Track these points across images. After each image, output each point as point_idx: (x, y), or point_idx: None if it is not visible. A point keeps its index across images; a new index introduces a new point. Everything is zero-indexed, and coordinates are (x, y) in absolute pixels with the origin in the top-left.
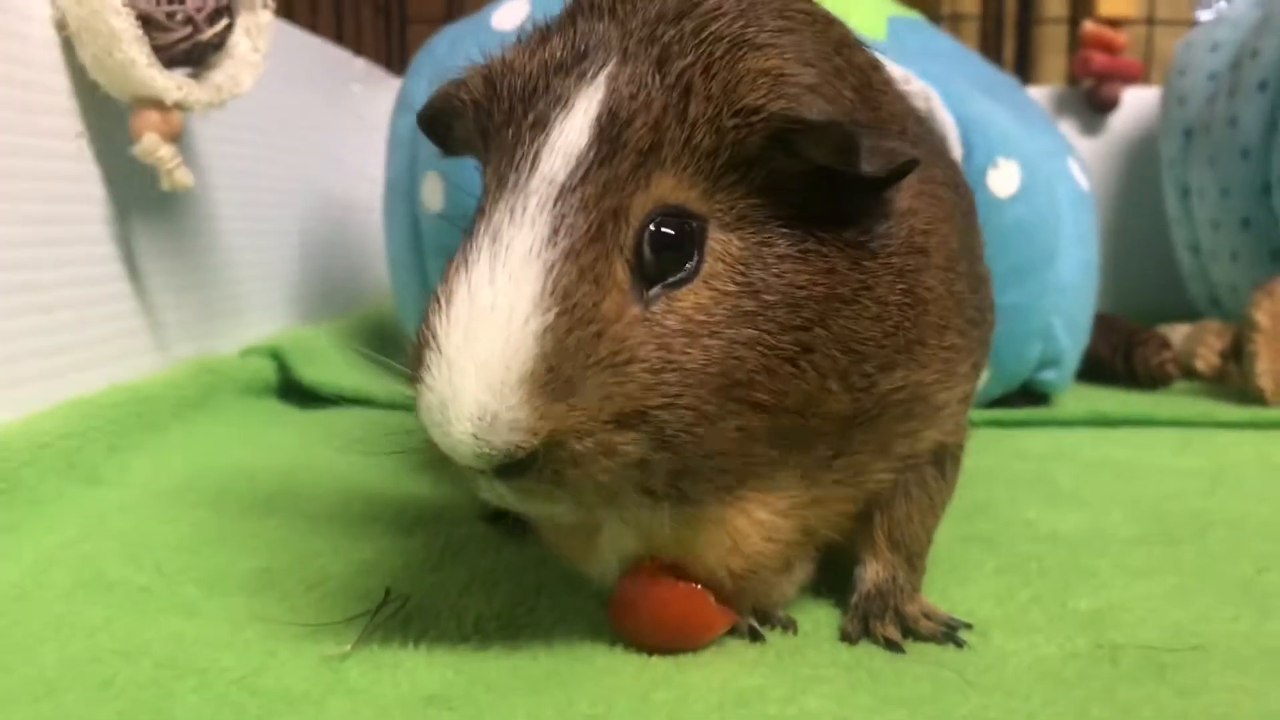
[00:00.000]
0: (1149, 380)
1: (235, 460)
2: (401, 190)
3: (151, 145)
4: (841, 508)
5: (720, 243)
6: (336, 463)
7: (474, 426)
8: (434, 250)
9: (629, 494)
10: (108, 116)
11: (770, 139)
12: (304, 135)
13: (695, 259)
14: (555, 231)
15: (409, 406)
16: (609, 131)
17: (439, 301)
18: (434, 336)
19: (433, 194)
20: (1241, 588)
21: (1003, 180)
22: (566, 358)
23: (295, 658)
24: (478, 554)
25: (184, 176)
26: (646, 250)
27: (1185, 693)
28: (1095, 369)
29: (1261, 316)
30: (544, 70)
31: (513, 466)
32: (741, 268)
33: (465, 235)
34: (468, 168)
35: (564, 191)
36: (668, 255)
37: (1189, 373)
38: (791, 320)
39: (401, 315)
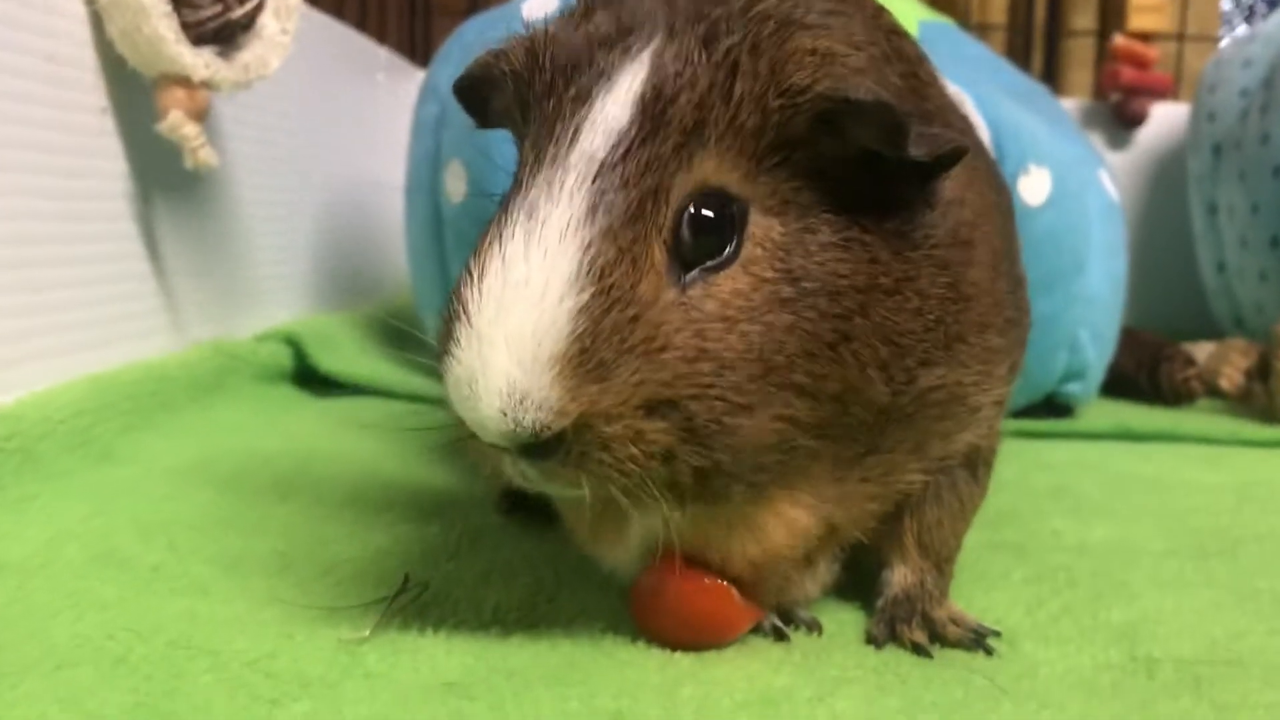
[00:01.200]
0: (1173, 396)
1: (250, 443)
2: (423, 179)
3: (177, 122)
4: (869, 507)
5: (761, 227)
6: (353, 449)
7: (502, 403)
8: (455, 240)
9: (654, 488)
10: (134, 92)
11: (817, 119)
12: (328, 121)
13: (735, 243)
14: (593, 209)
15: (426, 397)
16: (652, 108)
17: (470, 274)
18: (464, 309)
19: (455, 183)
20: (1275, 603)
21: (1034, 187)
22: (600, 340)
23: (311, 641)
24: (495, 544)
25: (208, 155)
26: (685, 232)
27: (1224, 709)
28: (1119, 384)
29: None
30: (588, 44)
31: (539, 446)
32: (782, 254)
33: (500, 208)
34: (491, 159)
35: (604, 168)
36: (707, 238)
37: (1213, 391)
38: (831, 309)
39: (420, 304)
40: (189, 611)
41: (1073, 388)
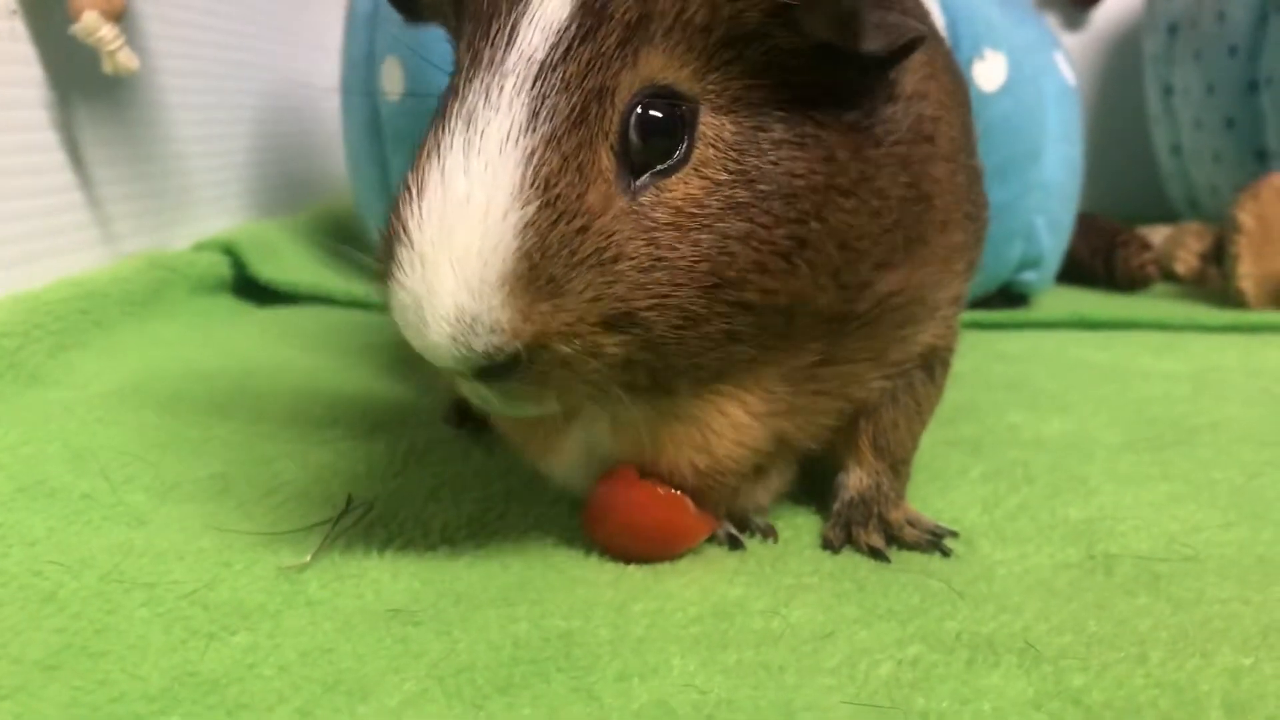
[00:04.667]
0: (1129, 282)
1: (188, 361)
2: (359, 76)
3: (92, 24)
4: (824, 420)
5: (712, 127)
6: (295, 362)
7: (452, 329)
8: (394, 139)
9: (613, 390)
10: None
11: (768, 13)
12: (258, 16)
13: (685, 144)
14: (535, 115)
15: (370, 304)
16: (592, 2)
17: (409, 190)
18: (405, 230)
19: (392, 80)
20: (1232, 495)
21: (989, 73)
22: (550, 255)
23: (251, 569)
24: (444, 459)
25: (127, 59)
26: (633, 135)
27: (1182, 605)
28: (1074, 270)
29: (1246, 218)
30: None
31: (494, 368)
32: (735, 154)
33: (436, 116)
34: (429, 53)
35: (544, 70)
36: (656, 141)
37: (1168, 275)
38: (787, 213)
39: (361, 207)
40: (123, 542)
41: (1028, 276)
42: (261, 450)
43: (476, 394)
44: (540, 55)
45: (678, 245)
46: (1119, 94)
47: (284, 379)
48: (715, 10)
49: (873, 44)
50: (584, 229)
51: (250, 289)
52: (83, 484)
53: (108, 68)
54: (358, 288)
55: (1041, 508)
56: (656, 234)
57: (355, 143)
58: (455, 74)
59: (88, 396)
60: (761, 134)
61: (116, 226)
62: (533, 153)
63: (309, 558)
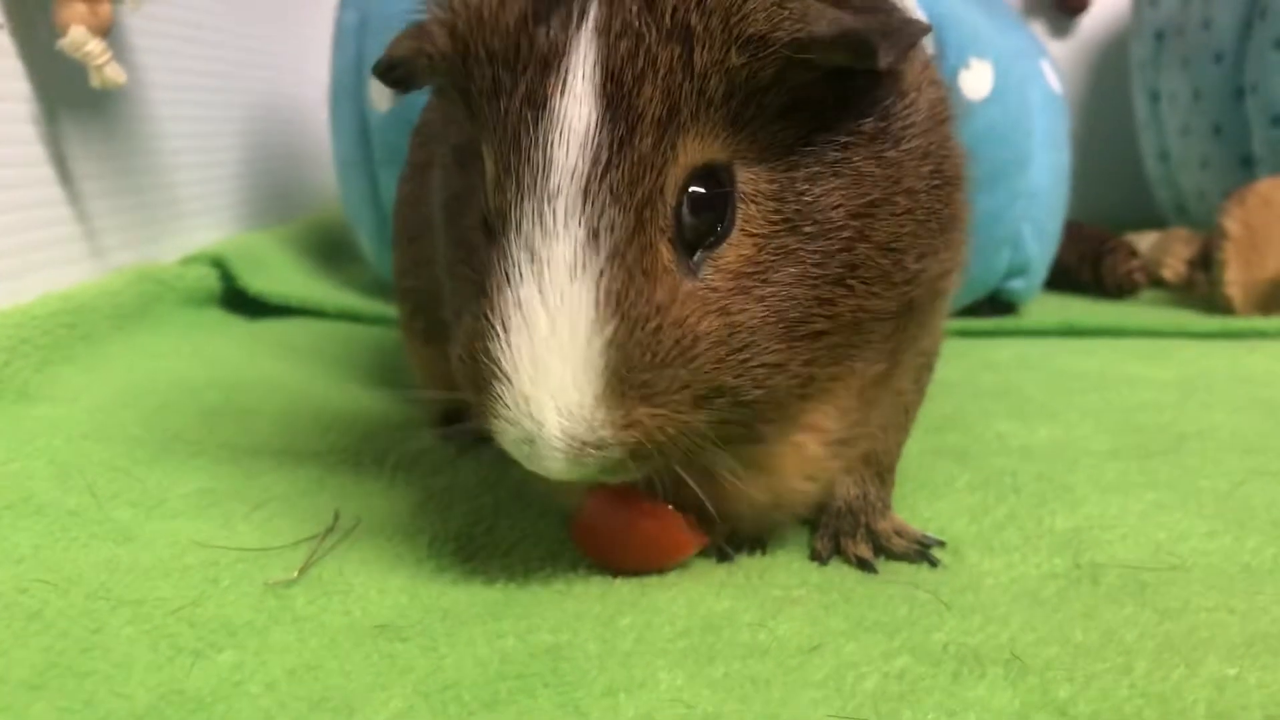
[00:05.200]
0: (1116, 289)
1: (176, 374)
2: (348, 87)
3: (79, 39)
4: (879, 421)
5: (750, 183)
6: (284, 375)
7: (564, 454)
8: (382, 150)
9: (708, 449)
10: (31, 7)
11: (781, 61)
12: (246, 28)
13: (729, 209)
14: (593, 235)
15: (359, 315)
16: (617, 103)
17: (492, 326)
18: (499, 368)
19: (380, 92)
20: (1218, 503)
21: (975, 81)
22: (635, 364)
23: (238, 585)
24: (432, 472)
25: (114, 73)
26: (686, 219)
27: (1168, 615)
28: (1062, 277)
29: (1233, 224)
30: (521, 24)
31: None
32: (775, 204)
33: (486, 233)
34: None
35: (590, 184)
36: (705, 216)
37: (1156, 281)
38: (833, 246)
39: (351, 219)
40: (109, 559)
41: (1016, 284)
42: (249, 464)
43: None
44: (582, 168)
45: (746, 308)
46: (1106, 101)
47: (273, 392)
48: (731, 77)
49: (888, 56)
50: (659, 328)
51: (239, 301)
52: (69, 500)
53: (95, 82)
54: (347, 299)
55: (1029, 517)
56: (724, 303)
57: (344, 153)
58: (493, 187)
59: (75, 411)
60: (794, 174)
61: (104, 240)
62: (601, 273)
63: (296, 574)
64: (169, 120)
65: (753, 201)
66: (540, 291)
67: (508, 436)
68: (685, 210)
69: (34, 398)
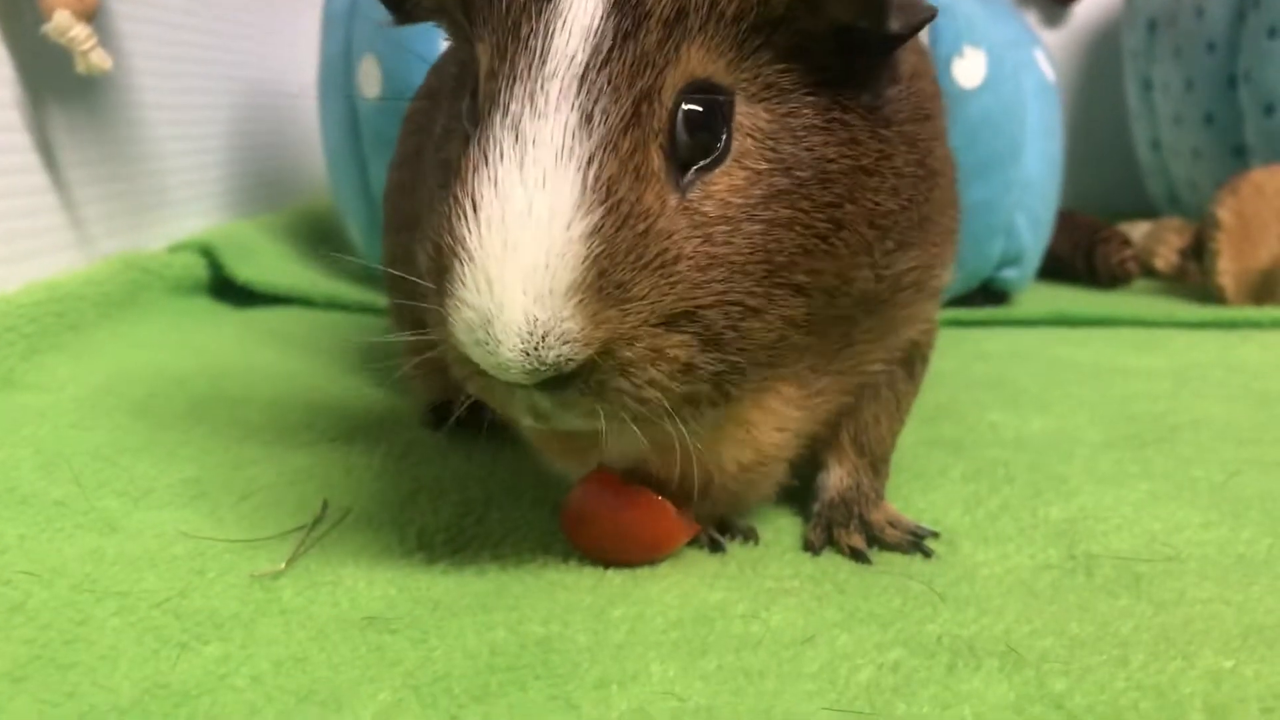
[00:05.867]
0: (1109, 279)
1: (163, 363)
2: (337, 74)
3: (63, 23)
4: (840, 400)
5: (748, 117)
6: (272, 364)
7: (525, 343)
8: (372, 138)
9: (668, 408)
10: None
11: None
12: (233, 14)
13: (725, 137)
14: (586, 119)
15: (349, 304)
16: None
17: (461, 206)
18: (464, 245)
19: (369, 79)
20: (1212, 494)
21: (969, 70)
22: (617, 261)
23: (224, 576)
24: (422, 462)
25: (100, 59)
26: (681, 132)
27: (1164, 606)
28: (1055, 267)
29: (1225, 214)
30: None
31: (559, 379)
32: (771, 143)
33: (471, 122)
34: (405, 52)
35: (588, 72)
36: (700, 135)
37: (1148, 271)
38: (823, 197)
39: (340, 207)
40: (94, 550)
41: (1009, 274)
42: (237, 454)
43: (530, 406)
44: (582, 57)
45: (731, 239)
46: (1098, 90)
47: (261, 382)
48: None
49: (897, 23)
50: (645, 232)
51: (227, 290)
52: (55, 490)
53: (80, 67)
54: (337, 287)
55: (1023, 508)
56: (709, 230)
57: (333, 142)
58: (486, 80)
59: (61, 400)
60: (793, 120)
61: (91, 228)
62: (590, 159)
63: (283, 565)
64: (156, 107)
65: (749, 136)
66: (521, 169)
67: (461, 319)
68: (680, 125)
69: (20, 386)
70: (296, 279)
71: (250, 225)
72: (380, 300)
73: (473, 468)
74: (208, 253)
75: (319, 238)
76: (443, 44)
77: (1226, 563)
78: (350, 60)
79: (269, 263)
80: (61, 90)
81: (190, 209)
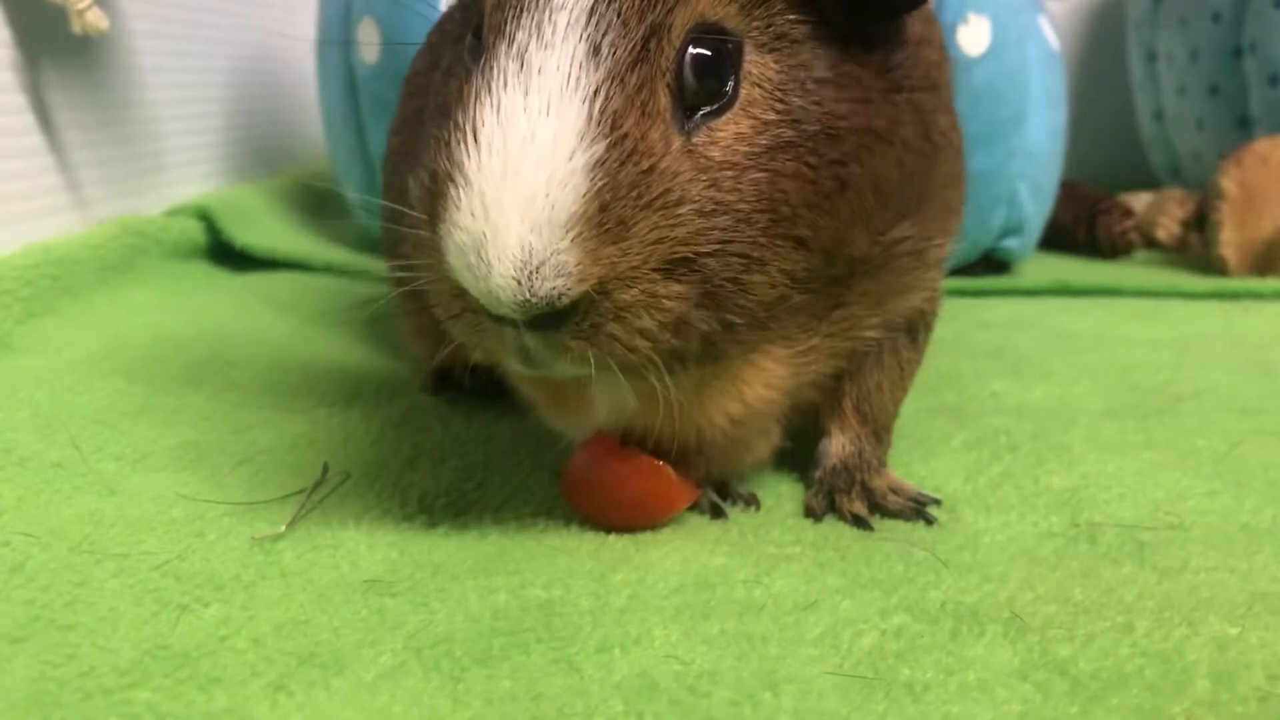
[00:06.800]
0: (1111, 249)
1: (161, 327)
2: (335, 38)
3: None
4: (830, 363)
5: (757, 65)
6: (271, 328)
7: (516, 272)
8: (371, 102)
9: (657, 362)
10: None
11: None
12: None
13: (733, 84)
14: (594, 51)
15: (348, 269)
16: None
17: (461, 131)
18: (461, 170)
19: (368, 43)
20: (1215, 463)
21: (973, 37)
22: (619, 197)
23: (224, 539)
24: (422, 427)
25: (97, 19)
26: (688, 74)
27: (1168, 574)
28: (1056, 237)
29: (1228, 185)
30: None
31: (550, 317)
32: (780, 94)
33: (473, 57)
34: (405, 9)
35: (597, 4)
36: (708, 80)
37: (1150, 242)
38: (830, 153)
39: (337, 172)
40: (93, 512)
41: (1011, 243)
42: (236, 418)
43: (519, 349)
44: None
45: (737, 187)
46: (1102, 60)
47: (259, 346)
48: None
49: None
50: (650, 170)
51: (225, 255)
52: (53, 453)
53: (76, 28)
54: (335, 253)
55: (1025, 475)
56: (715, 175)
57: (331, 106)
58: (491, 13)
59: (58, 364)
60: (804, 72)
61: (88, 191)
62: (597, 90)
63: (284, 528)
64: (153, 69)
65: (758, 86)
66: (525, 97)
67: (453, 242)
68: (688, 68)
69: (16, 350)
70: (294, 244)
71: (248, 190)
72: (378, 265)
73: (473, 432)
74: (205, 217)
75: (317, 202)
76: (443, 2)
77: (1230, 531)
78: (349, 23)
79: (267, 227)
80: (57, 52)
81: (188, 173)
